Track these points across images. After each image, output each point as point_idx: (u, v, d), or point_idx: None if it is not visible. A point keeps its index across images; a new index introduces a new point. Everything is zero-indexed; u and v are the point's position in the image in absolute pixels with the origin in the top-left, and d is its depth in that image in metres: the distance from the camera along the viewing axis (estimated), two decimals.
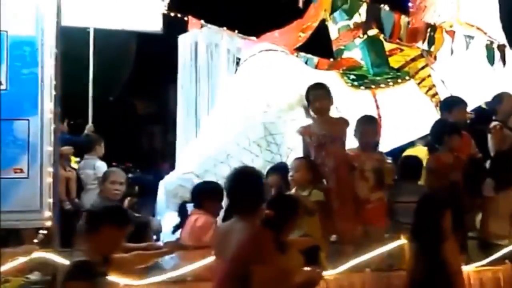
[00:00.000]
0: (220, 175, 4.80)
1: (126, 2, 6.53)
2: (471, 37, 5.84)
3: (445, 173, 4.90)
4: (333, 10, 5.76)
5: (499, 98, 5.72)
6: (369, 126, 4.81)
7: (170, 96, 9.29)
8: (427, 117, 5.59)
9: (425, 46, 5.98)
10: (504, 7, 6.72)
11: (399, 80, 5.96)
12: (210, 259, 3.84)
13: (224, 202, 4.44)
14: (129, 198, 5.40)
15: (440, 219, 3.78)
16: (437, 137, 5.15)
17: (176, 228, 4.42)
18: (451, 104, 5.52)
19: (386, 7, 5.68)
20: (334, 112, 4.82)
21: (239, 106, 5.28)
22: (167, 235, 4.59)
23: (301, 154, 4.79)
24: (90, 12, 6.26)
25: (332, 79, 5.54)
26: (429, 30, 5.85)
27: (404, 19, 5.80)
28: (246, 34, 6.24)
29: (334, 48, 6.35)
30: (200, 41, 5.99)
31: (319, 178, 4.62)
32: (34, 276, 4.11)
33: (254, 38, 6.21)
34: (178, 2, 6.52)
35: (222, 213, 4.42)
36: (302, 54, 6.49)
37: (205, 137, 5.35)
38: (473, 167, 5.12)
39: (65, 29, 4.38)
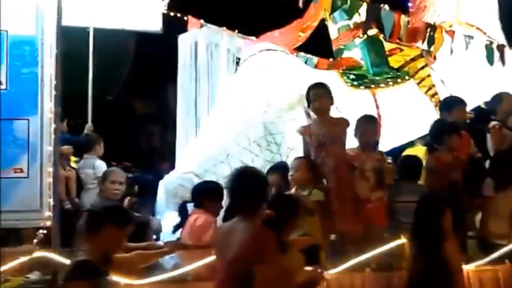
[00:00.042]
0: (220, 174, 4.81)
1: (126, 1, 6.53)
2: (471, 37, 5.85)
3: (445, 173, 4.90)
4: (333, 10, 5.77)
5: (499, 98, 5.72)
6: (369, 126, 4.82)
7: (170, 96, 9.30)
8: (426, 116, 5.59)
9: (424, 46, 5.99)
10: (503, 7, 6.72)
11: (399, 80, 5.97)
12: (210, 258, 3.85)
13: (224, 202, 4.46)
14: (128, 197, 5.40)
15: (440, 219, 3.79)
16: (436, 137, 5.15)
17: (176, 227, 4.42)
18: (450, 104, 5.52)
19: (386, 7, 5.67)
20: (334, 112, 4.81)
21: (239, 106, 5.28)
22: (167, 235, 4.59)
23: (301, 154, 4.79)
24: (90, 11, 6.25)
25: (332, 79, 5.54)
26: (428, 30, 5.85)
27: (404, 19, 5.80)
28: (246, 34, 6.23)
29: (334, 47, 6.35)
30: (200, 40, 5.99)
31: (319, 178, 4.62)
32: (33, 276, 4.11)
33: (253, 38, 6.22)
34: (178, 2, 6.51)
35: (222, 212, 4.42)
36: (302, 54, 6.49)
37: (205, 136, 5.35)
38: (472, 166, 5.12)
39: (64, 28, 4.36)
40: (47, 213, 4.21)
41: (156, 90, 9.93)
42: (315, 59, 6.59)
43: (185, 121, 5.86)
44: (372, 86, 5.85)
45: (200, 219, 4.37)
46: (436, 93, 5.99)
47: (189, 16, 6.31)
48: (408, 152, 5.92)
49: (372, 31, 5.98)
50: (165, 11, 6.38)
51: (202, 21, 6.24)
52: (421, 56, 6.10)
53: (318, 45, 6.51)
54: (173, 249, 3.92)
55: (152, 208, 5.32)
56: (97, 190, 5.63)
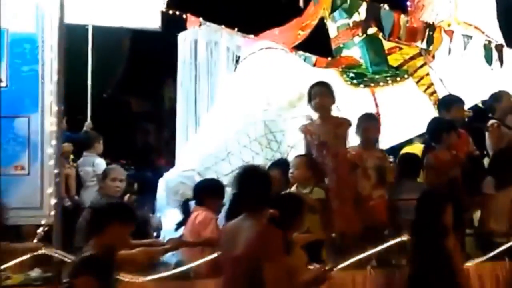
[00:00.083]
0: (221, 172, 4.83)
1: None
2: (469, 37, 5.88)
3: (444, 171, 4.92)
4: (333, 9, 5.78)
5: (498, 96, 5.75)
6: (370, 123, 4.84)
7: (168, 94, 9.30)
8: (425, 115, 5.61)
9: (424, 45, 6.01)
10: (500, 6, 6.76)
11: (398, 79, 5.99)
12: (213, 255, 3.86)
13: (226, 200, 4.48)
14: (128, 195, 5.40)
15: (441, 215, 3.82)
16: (434, 135, 5.17)
17: (179, 225, 4.44)
18: (449, 103, 5.55)
19: (386, 7, 5.69)
20: (334, 111, 4.82)
21: (240, 104, 5.29)
22: (168, 232, 4.60)
23: (301, 152, 4.80)
24: (89, 9, 6.23)
25: (332, 77, 5.55)
26: (427, 30, 5.88)
27: (403, 18, 5.81)
28: (245, 32, 6.24)
29: (333, 46, 6.36)
30: (200, 39, 5.98)
31: (321, 176, 4.63)
32: (34, 273, 4.11)
33: (252, 36, 6.23)
34: (177, 0, 6.51)
35: (224, 211, 4.44)
36: (300, 52, 6.51)
37: (206, 134, 5.35)
38: (471, 165, 5.15)
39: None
40: (48, 211, 4.21)
41: (154, 88, 9.93)
42: (313, 58, 6.60)
43: (184, 119, 5.86)
44: (372, 84, 5.87)
45: (200, 216, 4.39)
46: (435, 92, 6.02)
47: (188, 14, 6.31)
48: (406, 150, 5.94)
49: (372, 30, 6.00)
50: (164, 9, 6.36)
51: (201, 19, 6.23)
52: (420, 54, 6.13)
53: (317, 43, 6.52)
54: (175, 246, 3.93)
55: (152, 205, 5.33)
56: (96, 188, 5.63)
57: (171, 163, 6.01)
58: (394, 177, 4.94)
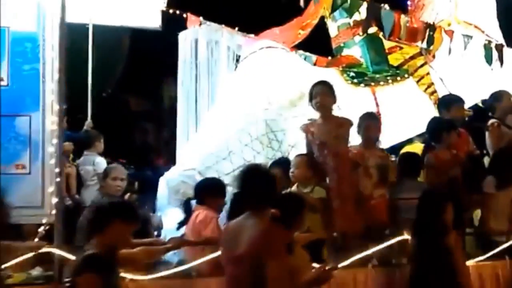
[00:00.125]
0: (222, 171, 4.84)
1: None
2: (469, 37, 5.89)
3: (444, 170, 4.93)
4: (334, 9, 5.78)
5: (498, 96, 5.76)
6: (371, 121, 4.85)
7: (168, 93, 9.29)
8: (426, 114, 5.62)
9: (424, 45, 6.02)
10: (500, 5, 6.77)
11: (398, 78, 6.01)
12: (214, 254, 3.87)
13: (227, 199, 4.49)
14: (128, 194, 5.40)
15: (442, 213, 3.84)
16: (434, 134, 5.18)
17: (180, 224, 4.44)
18: (449, 102, 5.56)
19: (386, 7, 5.69)
20: (335, 110, 4.83)
21: (240, 103, 5.30)
22: (169, 232, 4.60)
23: (302, 151, 4.81)
24: (89, 8, 6.23)
25: (332, 76, 5.56)
26: (428, 30, 5.88)
27: (404, 18, 5.82)
28: (246, 31, 6.24)
29: (334, 45, 6.37)
30: (200, 38, 5.98)
31: (322, 175, 4.64)
32: (36, 272, 4.11)
33: (253, 35, 6.23)
34: None
35: (226, 210, 4.44)
36: (301, 52, 6.51)
37: (206, 134, 5.36)
38: (471, 164, 5.16)
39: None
40: (49, 210, 4.21)
41: (154, 88, 9.93)
42: (314, 57, 6.61)
43: (185, 119, 5.86)
44: (372, 84, 5.89)
45: (201, 215, 4.40)
46: (435, 91, 6.03)
47: (189, 14, 6.31)
48: (406, 149, 5.94)
49: (372, 29, 6.01)
50: (165, 8, 6.36)
51: (201, 18, 6.24)
52: (420, 54, 6.14)
53: (318, 43, 6.53)
54: (177, 245, 3.93)
55: (152, 204, 5.33)
56: (97, 187, 5.63)
57: (170, 163, 6.02)
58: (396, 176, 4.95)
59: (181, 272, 3.98)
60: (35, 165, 4.29)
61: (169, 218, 4.86)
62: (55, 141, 4.17)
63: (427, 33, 5.86)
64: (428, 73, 6.10)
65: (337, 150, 4.62)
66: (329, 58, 6.49)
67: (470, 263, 4.49)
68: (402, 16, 5.84)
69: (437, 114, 5.60)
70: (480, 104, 6.27)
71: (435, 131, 5.17)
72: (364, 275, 4.26)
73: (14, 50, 4.33)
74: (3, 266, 3.57)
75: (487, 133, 5.61)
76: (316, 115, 4.73)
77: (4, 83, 4.29)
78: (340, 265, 3.85)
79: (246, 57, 5.67)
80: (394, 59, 6.12)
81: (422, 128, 5.50)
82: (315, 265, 3.53)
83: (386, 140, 5.47)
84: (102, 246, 2.98)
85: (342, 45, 6.28)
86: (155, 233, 5.01)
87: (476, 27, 6.40)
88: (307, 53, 6.57)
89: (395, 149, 5.85)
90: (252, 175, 3.17)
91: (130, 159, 6.72)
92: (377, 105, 5.74)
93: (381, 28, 5.85)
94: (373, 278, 4.28)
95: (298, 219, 3.48)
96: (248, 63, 5.59)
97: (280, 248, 2.95)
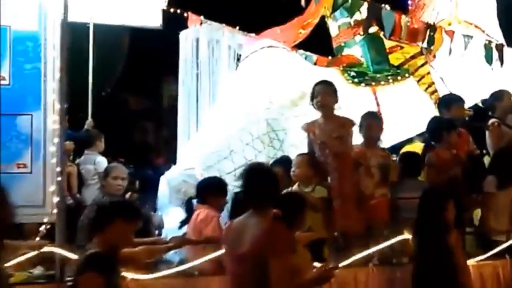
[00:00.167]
0: (223, 170, 4.85)
1: None
2: (470, 37, 5.89)
3: (444, 170, 4.94)
4: (334, 9, 5.79)
5: (498, 95, 5.77)
6: (373, 120, 4.85)
7: (169, 92, 9.30)
8: (426, 114, 5.62)
9: (424, 45, 6.02)
10: (501, 5, 6.78)
11: (399, 78, 6.02)
12: (216, 253, 3.88)
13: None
14: (129, 193, 5.41)
15: (443, 211, 3.84)
16: (435, 134, 5.19)
17: (182, 223, 4.45)
18: (449, 102, 5.57)
19: (387, 7, 5.70)
20: (337, 110, 4.83)
21: (241, 103, 5.30)
22: (171, 231, 4.61)
23: (303, 151, 4.81)
24: (90, 7, 6.23)
25: (333, 76, 5.57)
26: (428, 30, 5.89)
27: (404, 19, 5.83)
28: (246, 30, 6.24)
29: (334, 45, 6.38)
30: (201, 37, 5.98)
31: (324, 175, 4.64)
32: (37, 271, 4.12)
33: (253, 34, 6.23)
34: None
35: (227, 209, 4.45)
36: (301, 51, 6.52)
37: (207, 133, 5.36)
38: (471, 163, 5.17)
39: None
40: (50, 209, 4.22)
41: (155, 87, 9.93)
42: (314, 57, 6.61)
43: (186, 118, 5.86)
44: (373, 83, 5.89)
45: (202, 214, 4.41)
46: (436, 91, 6.04)
47: (189, 13, 6.31)
48: (406, 149, 5.95)
49: (373, 29, 6.01)
50: (165, 8, 6.36)
51: (202, 17, 6.24)
52: (421, 53, 6.15)
53: (319, 42, 6.53)
54: (178, 245, 3.94)
55: (153, 204, 5.34)
56: (97, 186, 5.64)
57: (170, 162, 6.03)
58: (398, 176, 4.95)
59: (182, 271, 3.98)
60: (36, 164, 4.30)
61: (170, 217, 4.87)
62: (56, 140, 4.18)
63: (427, 34, 5.86)
64: (428, 73, 6.11)
65: (338, 150, 4.62)
66: (330, 57, 6.50)
67: (470, 262, 4.49)
68: (403, 16, 5.84)
69: (437, 114, 5.60)
70: (480, 104, 6.28)
71: (436, 131, 5.17)
72: (365, 275, 4.27)
73: (16, 49, 4.35)
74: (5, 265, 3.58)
75: (487, 133, 5.62)
76: (317, 114, 4.73)
77: (5, 82, 4.30)
78: (341, 265, 3.86)
79: (247, 56, 5.67)
80: (395, 59, 6.12)
81: (422, 128, 5.51)
82: (316, 264, 3.53)
83: (386, 140, 5.47)
84: (104, 245, 2.98)
85: (342, 44, 6.29)
86: (156, 232, 5.01)
87: (476, 26, 6.41)
88: (308, 53, 6.57)
89: (395, 148, 5.86)
90: (255, 174, 3.17)
91: (129, 158, 6.73)
92: (377, 104, 5.75)
93: (382, 28, 5.85)
94: (374, 277, 4.29)
95: (299, 219, 3.49)
96: (249, 62, 5.59)
97: (284, 247, 2.95)
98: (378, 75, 5.94)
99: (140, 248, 3.48)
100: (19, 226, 4.48)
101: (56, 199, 4.09)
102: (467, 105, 5.77)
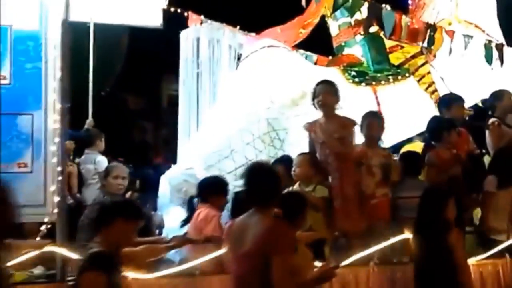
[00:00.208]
0: (224, 170, 4.86)
1: None
2: (470, 37, 5.90)
3: (444, 169, 4.95)
4: (335, 8, 5.79)
5: (498, 95, 5.77)
6: (374, 120, 4.85)
7: (170, 91, 9.30)
8: (426, 113, 5.63)
9: (425, 45, 6.03)
10: (501, 4, 6.79)
11: (399, 77, 6.03)
12: (218, 252, 3.88)
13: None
14: (130, 192, 5.41)
15: (444, 209, 3.84)
16: (435, 134, 5.19)
17: (184, 222, 4.45)
18: (449, 101, 5.58)
19: (388, 7, 5.70)
20: (338, 110, 4.83)
21: (242, 102, 5.31)
22: (172, 230, 4.61)
23: (304, 150, 4.81)
24: (90, 7, 6.23)
25: (334, 75, 5.57)
26: (429, 30, 5.90)
27: (404, 19, 5.83)
28: (247, 30, 6.25)
29: (335, 44, 6.38)
30: (202, 37, 5.99)
31: (324, 174, 4.65)
32: (37, 271, 4.12)
33: (254, 34, 6.23)
34: None
35: (227, 208, 4.45)
36: (302, 51, 6.52)
37: (208, 132, 5.37)
38: (471, 163, 5.18)
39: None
40: (51, 208, 4.22)
41: (155, 86, 9.94)
42: (315, 56, 6.62)
43: (186, 117, 5.87)
44: (373, 83, 5.90)
45: (203, 213, 4.41)
46: (436, 90, 6.05)
47: (190, 12, 6.31)
48: (406, 148, 5.96)
49: (373, 28, 6.02)
50: (166, 7, 6.36)
51: (202, 17, 6.24)
52: (421, 53, 6.16)
53: (319, 42, 6.54)
54: (179, 244, 3.94)
55: (154, 203, 5.34)
56: (98, 186, 5.65)
57: (170, 161, 6.03)
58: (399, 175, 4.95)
59: (183, 270, 3.98)
60: (37, 163, 4.29)
61: (171, 217, 4.87)
62: (57, 139, 4.17)
63: (428, 33, 5.87)
64: (429, 72, 6.11)
65: (339, 150, 4.62)
66: (330, 57, 6.51)
67: (471, 261, 4.50)
68: (403, 16, 5.85)
69: (437, 113, 5.60)
70: (480, 104, 6.29)
71: (436, 130, 5.18)
72: (366, 274, 4.27)
73: (17, 48, 4.33)
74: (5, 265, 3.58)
75: (487, 132, 5.62)
76: (318, 114, 4.74)
77: (6, 81, 4.29)
78: (342, 264, 3.87)
79: (248, 56, 5.67)
80: (395, 58, 6.13)
81: (422, 127, 5.52)
82: (317, 264, 3.53)
83: (386, 139, 5.48)
84: (105, 245, 2.99)
85: (343, 44, 6.29)
86: (157, 231, 5.02)
87: (476, 26, 6.41)
88: (308, 52, 6.58)
89: (395, 148, 5.86)
90: (257, 173, 3.17)
91: (129, 157, 6.73)
92: (378, 104, 5.76)
93: (382, 27, 5.86)
94: (374, 277, 4.29)
95: (300, 218, 3.50)
96: (250, 62, 5.60)
97: (286, 245, 2.95)
98: (378, 75, 5.95)
99: (141, 248, 3.49)
100: (20, 225, 4.49)
101: (56, 198, 4.08)
102: (467, 104, 5.78)
